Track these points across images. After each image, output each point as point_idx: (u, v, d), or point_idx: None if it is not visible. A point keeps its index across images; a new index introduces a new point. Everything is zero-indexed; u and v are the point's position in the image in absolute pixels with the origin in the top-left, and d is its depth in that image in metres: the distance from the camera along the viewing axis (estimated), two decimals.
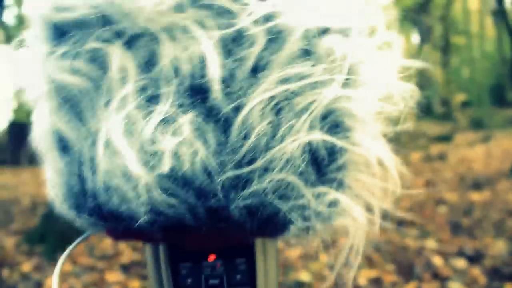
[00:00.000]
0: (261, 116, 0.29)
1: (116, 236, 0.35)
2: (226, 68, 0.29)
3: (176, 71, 0.30)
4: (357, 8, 0.32)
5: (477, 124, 8.72)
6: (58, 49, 0.32)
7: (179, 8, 0.30)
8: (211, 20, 0.30)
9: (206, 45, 0.29)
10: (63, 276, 2.47)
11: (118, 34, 0.31)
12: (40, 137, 0.35)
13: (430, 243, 2.67)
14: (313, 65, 0.30)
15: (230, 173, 0.29)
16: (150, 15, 0.29)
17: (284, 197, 0.30)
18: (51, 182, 0.34)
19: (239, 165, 0.29)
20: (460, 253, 2.53)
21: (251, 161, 0.29)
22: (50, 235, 2.90)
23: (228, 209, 0.30)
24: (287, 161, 0.29)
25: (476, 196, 3.66)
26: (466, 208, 3.37)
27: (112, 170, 0.29)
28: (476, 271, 2.42)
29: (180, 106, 0.30)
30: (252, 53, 0.29)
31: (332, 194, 0.31)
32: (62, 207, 0.34)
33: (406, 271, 2.35)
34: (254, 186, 0.29)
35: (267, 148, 0.29)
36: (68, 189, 0.33)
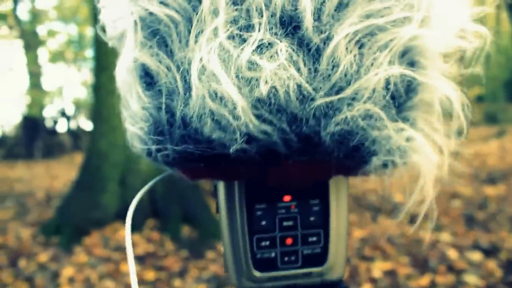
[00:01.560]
0: (347, 49, 0.30)
1: (195, 174, 0.35)
2: (316, 1, 0.30)
3: (267, 3, 0.30)
4: None
5: (491, 119, 8.61)
6: None
7: None
8: None
9: None
10: (79, 267, 2.50)
11: None
12: (124, 74, 0.35)
13: (445, 236, 2.65)
14: (394, 3, 0.31)
15: (321, 100, 0.29)
16: None
17: (370, 126, 0.30)
18: (133, 118, 0.35)
19: (329, 93, 0.30)
20: (475, 246, 2.50)
21: (339, 90, 0.30)
22: (65, 227, 2.93)
23: (319, 135, 0.30)
24: (372, 92, 0.30)
25: (490, 190, 3.62)
26: (480, 202, 3.34)
27: (207, 96, 0.30)
28: (491, 264, 2.40)
29: (274, 34, 0.30)
30: None
31: (409, 130, 0.32)
32: (145, 141, 0.34)
33: (421, 264, 2.34)
34: (344, 114, 0.30)
35: (354, 78, 0.30)
36: (154, 122, 0.33)
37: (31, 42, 9.49)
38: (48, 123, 9.51)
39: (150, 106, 0.33)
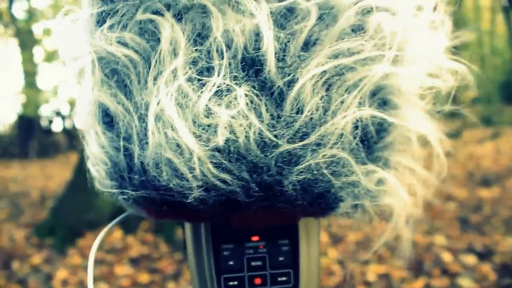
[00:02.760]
0: (313, 91, 0.29)
1: (158, 215, 0.34)
2: (279, 42, 0.29)
3: (229, 43, 0.29)
4: None
5: (486, 121, 8.65)
6: (107, 20, 0.31)
7: None
8: None
9: (260, 17, 0.28)
10: (73, 269, 2.49)
11: (168, 6, 0.30)
12: (83, 113, 0.34)
13: (439, 239, 2.65)
14: (363, 41, 0.30)
15: (284, 148, 0.28)
16: None
17: (336, 173, 0.29)
18: (93, 158, 0.34)
19: (292, 140, 0.28)
20: (470, 250, 2.51)
21: (303, 136, 0.29)
22: (59, 229, 2.92)
23: (281, 184, 0.29)
24: (339, 136, 0.29)
25: (485, 193, 3.63)
26: (475, 204, 3.35)
27: (163, 144, 0.29)
28: (486, 268, 2.41)
29: (234, 78, 0.29)
30: (305, 28, 0.29)
31: (380, 172, 0.31)
32: (104, 184, 0.34)
33: (415, 267, 2.34)
34: (308, 161, 0.29)
35: (320, 123, 0.29)
36: (113, 165, 0.32)
37: (27, 41, 9.44)
38: (43, 123, 9.46)
39: (109, 148, 0.32)
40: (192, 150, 0.28)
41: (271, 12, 0.29)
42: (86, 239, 2.85)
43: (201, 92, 0.29)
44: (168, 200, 0.31)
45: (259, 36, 0.29)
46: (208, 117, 0.28)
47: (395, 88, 0.31)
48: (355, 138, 0.30)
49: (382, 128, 0.31)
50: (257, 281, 0.36)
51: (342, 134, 0.29)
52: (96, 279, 2.38)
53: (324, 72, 0.29)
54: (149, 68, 0.30)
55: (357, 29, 0.30)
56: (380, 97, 0.31)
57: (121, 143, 0.31)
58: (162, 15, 0.30)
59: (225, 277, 0.36)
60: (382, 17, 0.30)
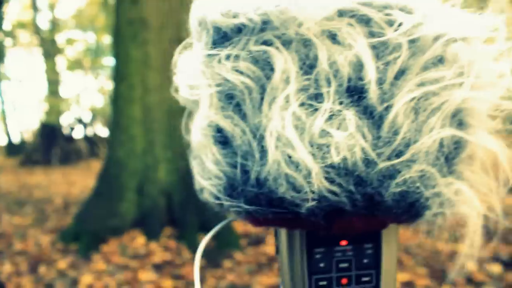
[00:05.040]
0: (405, 114, 0.33)
1: (264, 223, 0.37)
2: (378, 71, 0.33)
3: (335, 73, 0.33)
4: (481, 19, 0.36)
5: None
6: (223, 51, 0.35)
7: (334, 16, 0.33)
8: (360, 27, 0.33)
9: (363, 50, 0.32)
10: (98, 274, 2.53)
11: (277, 38, 0.34)
12: (198, 134, 0.37)
13: (463, 248, 2.61)
14: (445, 70, 0.34)
15: (384, 164, 0.32)
16: (307, 22, 0.33)
17: (425, 185, 0.33)
18: (206, 173, 0.37)
19: (390, 157, 0.32)
20: (495, 258, 2.47)
21: (399, 154, 0.32)
22: (83, 234, 2.97)
23: (382, 195, 0.33)
24: (427, 153, 0.33)
25: (511, 201, 3.56)
26: (501, 212, 3.29)
27: (281, 161, 0.32)
28: None
29: (341, 104, 0.33)
30: (399, 59, 0.33)
31: (457, 183, 0.35)
32: (216, 196, 0.37)
33: (439, 275, 2.31)
34: (403, 176, 0.32)
35: (412, 142, 0.33)
36: (228, 180, 0.36)
37: (50, 50, 9.65)
38: (65, 130, 9.63)
39: (224, 164, 0.36)
40: (309, 167, 0.32)
41: (370, 45, 0.33)
42: (110, 245, 2.89)
43: (315, 116, 0.33)
44: (280, 210, 0.34)
45: (361, 66, 0.33)
46: (322, 138, 0.32)
47: (471, 110, 0.35)
48: (438, 154, 0.33)
49: (459, 145, 0.35)
50: (344, 281, 0.41)
51: (428, 151, 0.33)
52: (120, 285, 2.42)
53: (413, 98, 0.33)
54: (263, 94, 0.34)
55: (440, 59, 0.34)
56: (458, 118, 0.35)
57: (238, 160, 0.35)
58: (271, 45, 0.34)
59: (316, 278, 0.40)
60: (460, 47, 0.34)
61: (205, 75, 0.36)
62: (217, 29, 0.36)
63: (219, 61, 0.35)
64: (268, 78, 0.34)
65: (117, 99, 3.29)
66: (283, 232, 0.40)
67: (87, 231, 2.99)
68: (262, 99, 0.34)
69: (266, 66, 0.34)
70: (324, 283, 0.40)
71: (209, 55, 0.36)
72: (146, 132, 3.17)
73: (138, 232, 3.03)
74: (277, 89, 0.33)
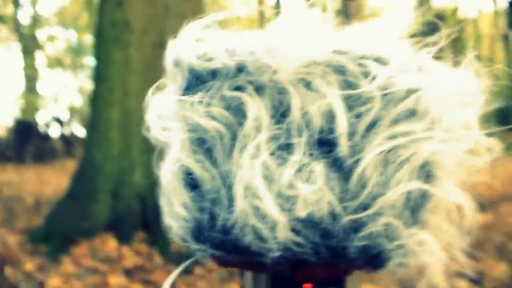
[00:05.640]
0: (374, 167, 0.33)
1: (225, 264, 0.37)
2: (349, 123, 0.33)
3: (307, 123, 0.33)
4: (454, 72, 0.36)
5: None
6: (196, 94, 0.35)
7: (309, 63, 0.33)
8: (334, 77, 0.33)
9: (336, 100, 0.32)
10: (66, 277, 2.48)
11: (250, 84, 0.34)
12: (169, 173, 0.37)
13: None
14: (416, 122, 0.34)
15: (350, 217, 0.32)
16: (282, 70, 0.33)
17: (389, 237, 0.33)
18: (174, 214, 0.37)
19: (356, 211, 0.32)
20: (461, 274, 2.52)
21: (365, 207, 0.32)
22: (54, 236, 2.92)
23: (346, 248, 0.33)
24: (393, 206, 0.33)
25: (478, 218, 3.65)
26: (468, 229, 3.36)
27: (249, 211, 0.32)
28: None
29: (311, 155, 0.33)
30: (371, 111, 0.33)
31: (421, 234, 0.35)
32: (182, 237, 0.37)
33: None
34: (369, 229, 0.33)
35: (379, 195, 0.33)
36: (194, 224, 0.35)
37: (30, 46, 9.48)
38: (41, 128, 9.46)
39: (192, 208, 0.36)
40: (275, 219, 0.32)
41: (343, 96, 0.33)
42: (81, 248, 2.85)
43: (284, 167, 0.32)
44: (245, 258, 0.34)
45: (333, 118, 0.33)
46: (290, 189, 0.32)
47: (438, 162, 0.35)
48: (404, 206, 0.34)
49: (425, 196, 0.35)
50: None
51: (395, 204, 0.33)
52: None
53: (383, 151, 0.33)
54: (234, 140, 0.34)
55: (411, 111, 0.34)
56: (426, 170, 0.35)
57: (206, 205, 0.35)
58: (245, 90, 0.34)
59: None
60: (432, 100, 0.34)
61: (178, 118, 0.36)
62: (192, 72, 0.36)
63: (192, 105, 0.35)
64: (240, 124, 0.34)
65: (96, 100, 3.26)
66: (248, 274, 0.41)
67: (58, 232, 2.93)
68: (233, 145, 0.34)
69: (238, 112, 0.34)
70: None
71: (183, 98, 0.36)
72: (124, 136, 3.15)
73: (110, 235, 2.99)
74: (249, 137, 0.33)
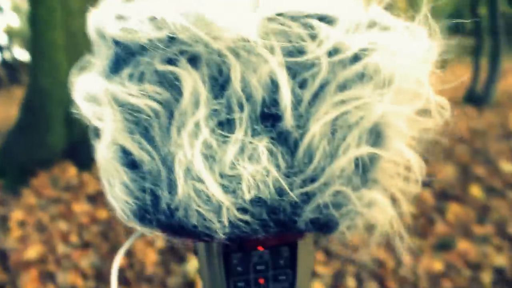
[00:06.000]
0: (321, 137, 0.31)
1: (177, 238, 0.37)
2: (294, 93, 0.30)
3: (248, 96, 0.30)
4: (405, 30, 0.33)
5: None
6: (125, 70, 0.32)
7: (245, 31, 0.30)
8: (274, 42, 0.30)
9: (278, 70, 0.30)
10: (29, 209, 2.47)
11: (184, 54, 0.30)
12: (105, 152, 0.35)
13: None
14: (365, 85, 0.32)
15: (297, 191, 0.31)
16: (217, 37, 0.29)
17: (337, 205, 0.33)
18: (116, 196, 0.35)
19: (304, 184, 0.31)
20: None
21: (313, 179, 0.31)
22: (9, 168, 2.85)
23: (295, 221, 0.32)
24: (341, 174, 0.32)
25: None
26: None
27: (192, 194, 0.31)
28: (425, 193, 2.61)
29: (254, 131, 0.31)
30: (317, 77, 0.30)
31: (370, 194, 0.35)
32: (126, 218, 0.35)
33: None
34: (317, 201, 0.32)
35: (327, 166, 0.31)
36: (138, 206, 0.34)
37: None
38: None
39: (133, 188, 0.33)
40: (220, 201, 0.30)
41: (286, 62, 0.30)
42: (40, 178, 2.81)
43: (226, 146, 0.30)
44: (193, 238, 0.34)
45: (276, 88, 0.30)
46: (233, 169, 0.30)
47: (390, 123, 0.34)
48: (353, 172, 0.33)
49: (374, 158, 0.34)
50: (261, 281, 0.42)
51: (343, 172, 0.32)
52: (54, 218, 2.39)
53: (331, 118, 0.31)
54: (172, 118, 0.31)
55: (360, 74, 0.32)
56: (376, 131, 0.34)
57: (148, 185, 0.33)
58: (178, 63, 0.30)
59: (234, 280, 0.41)
60: (382, 60, 0.32)
61: (107, 97, 0.33)
62: (119, 45, 0.32)
63: (122, 83, 0.32)
64: (177, 101, 0.31)
65: (36, 23, 3.02)
66: (200, 243, 0.41)
67: (13, 164, 2.86)
68: (171, 124, 0.31)
69: (173, 87, 0.31)
70: (242, 284, 0.42)
71: (110, 74, 0.32)
72: (71, 60, 2.98)
73: (68, 163, 2.95)
74: (186, 114, 0.30)
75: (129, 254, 2.15)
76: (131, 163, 0.33)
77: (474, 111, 4.09)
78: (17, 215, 2.40)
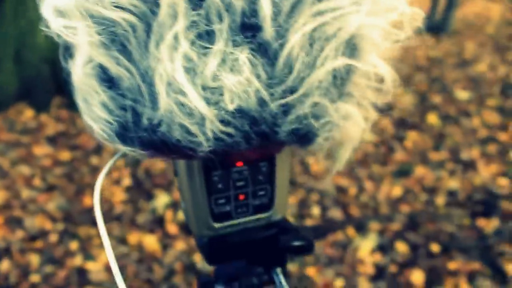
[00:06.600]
0: (300, 47, 0.31)
1: (155, 156, 0.36)
2: (273, 3, 0.30)
3: (227, 7, 0.30)
4: None
5: None
6: None
7: None
8: None
9: None
10: None
11: None
12: (81, 71, 0.33)
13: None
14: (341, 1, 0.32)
15: (278, 102, 0.31)
16: None
17: (316, 116, 0.33)
18: (95, 115, 0.34)
19: (284, 95, 0.31)
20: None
21: (293, 90, 0.31)
22: None
23: (276, 132, 0.33)
24: (319, 86, 0.32)
25: (401, 35, 3.86)
26: None
27: (174, 107, 0.30)
28: (385, 121, 2.70)
29: (234, 42, 0.30)
30: None
31: (346, 106, 0.35)
32: (107, 139, 0.34)
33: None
34: (297, 112, 0.32)
35: (306, 76, 0.32)
36: (118, 123, 0.33)
37: None
38: None
39: (113, 107, 0.32)
40: (203, 113, 0.30)
41: None
42: None
43: (207, 58, 0.30)
44: (176, 154, 0.34)
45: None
46: (215, 81, 0.30)
47: (365, 36, 0.34)
48: (331, 83, 0.33)
49: (350, 70, 0.34)
50: (241, 197, 0.44)
51: (321, 83, 0.32)
52: (14, 163, 2.33)
53: (309, 29, 0.31)
54: (149, 31, 0.30)
55: None
56: (352, 44, 0.34)
57: (128, 103, 0.32)
58: None
59: (215, 197, 0.43)
60: None
61: (80, 12, 0.31)
62: None
63: None
64: (154, 13, 0.30)
65: None
66: (181, 161, 0.41)
67: None
68: (149, 38, 0.30)
69: None
70: (223, 201, 0.43)
71: None
72: None
73: (24, 104, 2.83)
74: (164, 26, 0.30)
75: None
76: (109, 81, 0.32)
77: (432, 40, 4.14)
78: None
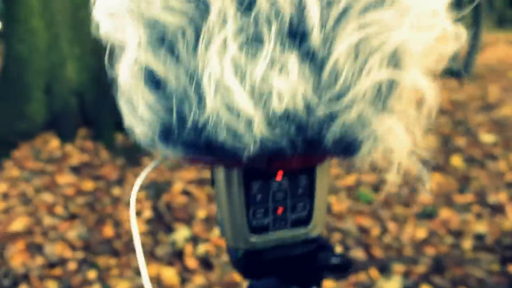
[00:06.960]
0: (346, 57, 0.31)
1: (196, 163, 0.36)
2: (321, 12, 0.31)
3: (276, 14, 0.30)
4: None
5: None
6: None
7: None
8: None
9: None
10: (12, 182, 2.43)
11: None
12: (127, 73, 0.33)
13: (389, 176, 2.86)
14: (385, 11, 0.32)
15: (324, 109, 0.32)
16: None
17: (361, 126, 0.33)
18: (138, 116, 0.34)
19: (330, 102, 0.32)
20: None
21: (339, 98, 0.32)
22: None
23: (321, 138, 0.33)
24: (365, 95, 0.32)
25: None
26: None
27: (222, 110, 0.30)
28: (408, 162, 2.66)
29: (282, 47, 0.31)
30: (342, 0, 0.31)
31: (389, 120, 0.35)
32: (150, 143, 0.35)
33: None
34: (342, 119, 0.32)
35: (352, 85, 0.32)
36: (163, 125, 0.33)
37: None
38: None
39: (158, 109, 0.33)
40: (250, 115, 0.30)
41: None
42: (21, 150, 2.75)
43: (256, 61, 0.30)
44: (219, 156, 0.33)
45: (304, 7, 0.30)
46: (263, 84, 0.30)
47: (408, 51, 0.34)
48: (375, 94, 0.33)
49: (393, 84, 0.35)
50: (280, 210, 0.43)
51: (367, 93, 0.32)
52: (38, 190, 2.35)
53: (354, 40, 0.31)
54: (198, 35, 0.30)
55: (381, 0, 0.32)
56: (395, 58, 0.34)
57: (174, 104, 0.32)
58: None
59: (253, 209, 0.42)
60: None
61: (131, 14, 0.32)
62: None
63: None
64: (203, 18, 0.30)
65: None
66: (220, 168, 0.41)
67: None
68: (197, 41, 0.31)
69: (200, 4, 0.31)
70: (261, 213, 0.42)
71: None
72: (48, 26, 2.88)
73: (50, 134, 2.89)
74: (214, 31, 0.30)
75: (116, 224, 2.14)
76: (155, 82, 0.33)
77: (455, 83, 4.15)
78: (0, 188, 2.36)
